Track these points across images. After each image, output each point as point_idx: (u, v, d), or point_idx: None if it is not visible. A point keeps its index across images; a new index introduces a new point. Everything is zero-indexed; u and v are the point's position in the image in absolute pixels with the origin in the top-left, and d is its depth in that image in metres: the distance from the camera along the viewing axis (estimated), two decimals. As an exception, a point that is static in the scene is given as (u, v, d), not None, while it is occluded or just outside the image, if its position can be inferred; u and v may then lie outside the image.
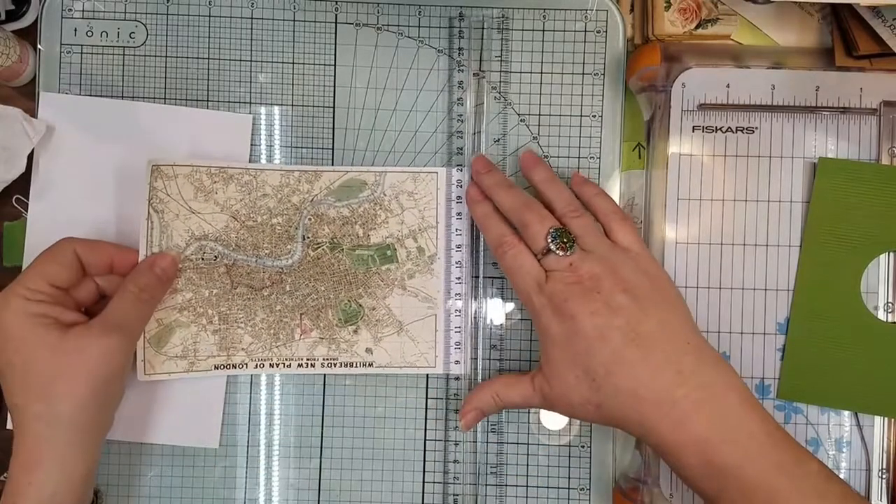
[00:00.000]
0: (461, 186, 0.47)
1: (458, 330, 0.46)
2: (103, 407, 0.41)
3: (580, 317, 0.39)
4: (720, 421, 0.37)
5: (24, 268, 0.45)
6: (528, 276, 0.41)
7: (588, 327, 0.38)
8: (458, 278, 0.47)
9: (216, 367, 0.46)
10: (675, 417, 0.37)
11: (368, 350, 0.46)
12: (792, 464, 0.36)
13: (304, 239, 0.46)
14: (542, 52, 0.47)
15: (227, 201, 0.46)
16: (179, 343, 0.45)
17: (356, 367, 0.46)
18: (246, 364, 0.46)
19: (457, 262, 0.47)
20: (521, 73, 0.47)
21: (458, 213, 0.47)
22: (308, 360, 0.46)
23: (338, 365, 0.46)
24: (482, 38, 0.47)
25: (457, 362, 0.46)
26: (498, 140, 0.47)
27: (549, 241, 0.40)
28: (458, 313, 0.46)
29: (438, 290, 0.47)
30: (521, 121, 0.47)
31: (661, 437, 0.38)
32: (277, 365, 0.46)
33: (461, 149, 0.47)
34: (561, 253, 0.40)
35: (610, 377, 0.38)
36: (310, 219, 0.46)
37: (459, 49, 0.47)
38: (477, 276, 0.47)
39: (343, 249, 0.46)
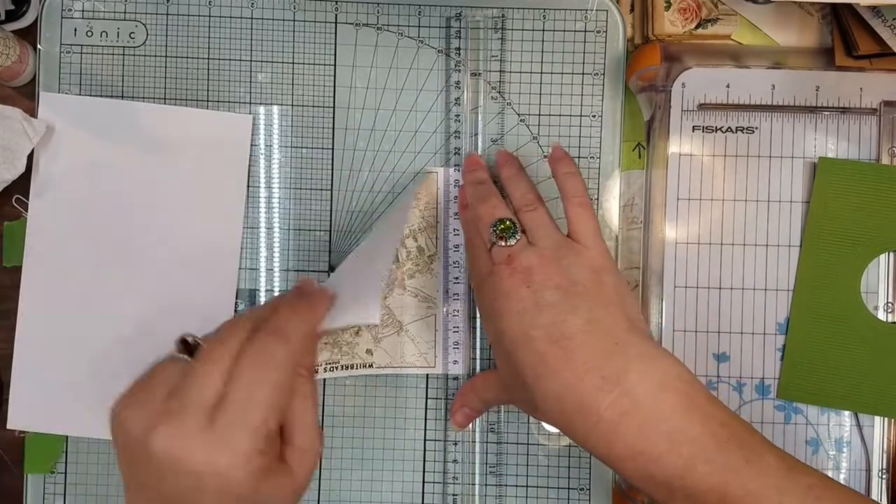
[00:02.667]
0: (457, 186, 0.47)
1: (456, 330, 0.46)
2: None
3: (506, 316, 0.37)
4: (653, 431, 0.33)
5: (23, 269, 0.45)
6: (478, 275, 0.40)
7: (514, 327, 0.36)
8: (456, 278, 0.47)
9: None
10: (603, 431, 0.34)
11: (369, 351, 0.46)
12: (742, 464, 0.33)
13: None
14: (542, 52, 0.47)
15: None
16: None
17: (356, 368, 0.46)
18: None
19: (454, 262, 0.47)
20: (520, 73, 0.47)
21: (456, 213, 0.47)
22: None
23: (339, 368, 0.46)
24: (479, 38, 0.47)
25: (455, 362, 0.46)
26: (496, 140, 0.47)
27: (491, 231, 0.39)
28: (456, 313, 0.46)
29: (438, 289, 0.47)
30: (520, 121, 0.47)
31: (593, 449, 0.35)
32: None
33: (459, 149, 0.47)
34: (502, 243, 0.39)
35: (538, 381, 0.35)
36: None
37: (457, 49, 0.47)
38: (477, 276, 0.47)
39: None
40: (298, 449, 0.34)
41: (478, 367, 0.47)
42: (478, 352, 0.47)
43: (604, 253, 0.39)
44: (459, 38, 0.47)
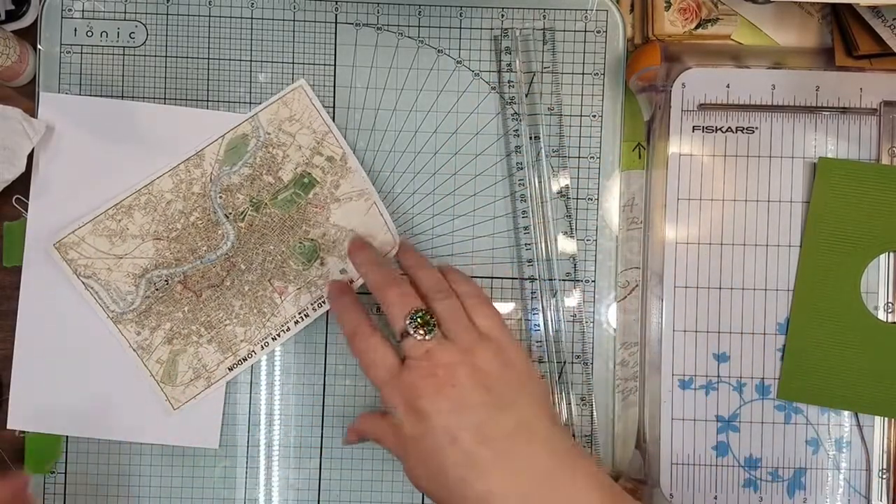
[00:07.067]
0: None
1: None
2: None
3: (433, 416, 0.36)
4: None
5: (23, 269, 0.45)
6: (381, 368, 0.38)
7: (440, 428, 0.36)
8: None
9: (230, 369, 0.46)
10: None
11: (342, 271, 0.46)
12: None
13: (227, 217, 0.46)
14: (542, 51, 0.47)
15: (142, 228, 0.46)
16: (187, 368, 0.46)
17: None
18: (253, 351, 0.46)
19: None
20: (520, 72, 0.47)
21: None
22: (300, 314, 0.46)
23: (325, 302, 0.46)
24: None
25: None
26: (497, 140, 0.47)
27: (408, 322, 0.38)
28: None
29: (364, 179, 0.47)
30: (520, 120, 0.47)
31: None
32: (278, 335, 0.46)
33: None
34: (419, 337, 0.37)
35: (461, 483, 0.35)
36: (220, 196, 0.46)
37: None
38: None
39: (266, 203, 0.46)
40: None
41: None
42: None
43: (514, 343, 0.39)
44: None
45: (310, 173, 0.46)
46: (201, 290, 0.46)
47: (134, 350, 0.46)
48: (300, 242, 0.46)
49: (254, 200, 0.46)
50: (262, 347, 0.46)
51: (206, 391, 0.46)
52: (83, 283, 0.45)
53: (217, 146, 0.46)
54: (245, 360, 0.46)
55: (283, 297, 0.46)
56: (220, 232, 0.46)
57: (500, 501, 0.35)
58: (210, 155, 0.46)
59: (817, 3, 0.46)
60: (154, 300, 0.46)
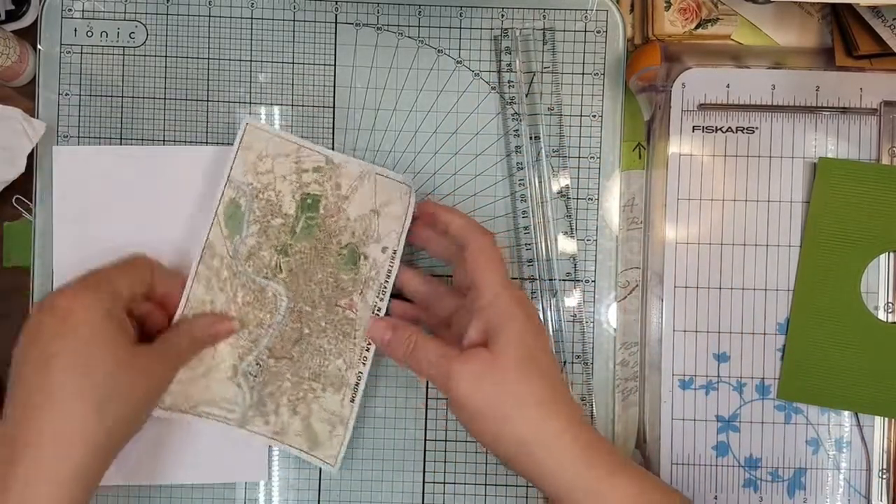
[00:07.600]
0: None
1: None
2: (137, 428, 0.40)
3: (545, 334, 0.41)
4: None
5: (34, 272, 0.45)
6: (504, 275, 0.40)
7: (550, 350, 0.41)
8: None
9: (352, 401, 0.45)
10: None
11: (384, 249, 0.46)
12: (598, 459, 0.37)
13: (267, 278, 0.45)
14: (543, 51, 0.47)
15: None
16: (322, 423, 0.45)
17: (394, 269, 0.45)
18: (360, 373, 0.45)
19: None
20: (520, 72, 0.47)
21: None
22: (375, 311, 0.45)
23: (387, 285, 0.45)
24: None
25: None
26: (496, 140, 0.47)
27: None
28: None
29: (357, 163, 0.46)
30: (520, 120, 0.47)
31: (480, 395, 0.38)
32: (370, 345, 0.45)
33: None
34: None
35: (547, 406, 0.38)
36: (249, 266, 0.45)
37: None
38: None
39: (290, 244, 0.46)
40: (164, 338, 0.42)
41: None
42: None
43: None
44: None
45: (308, 193, 0.46)
46: (290, 352, 0.45)
47: (272, 438, 0.45)
48: (339, 254, 0.46)
49: (278, 248, 0.46)
50: (364, 363, 0.45)
51: (348, 431, 0.45)
52: (193, 415, 0.44)
53: (217, 227, 0.45)
54: (357, 384, 0.45)
55: (354, 310, 0.46)
56: (270, 294, 0.45)
57: (543, 443, 0.37)
58: (216, 239, 0.45)
59: (817, 3, 0.46)
60: (259, 386, 0.45)
